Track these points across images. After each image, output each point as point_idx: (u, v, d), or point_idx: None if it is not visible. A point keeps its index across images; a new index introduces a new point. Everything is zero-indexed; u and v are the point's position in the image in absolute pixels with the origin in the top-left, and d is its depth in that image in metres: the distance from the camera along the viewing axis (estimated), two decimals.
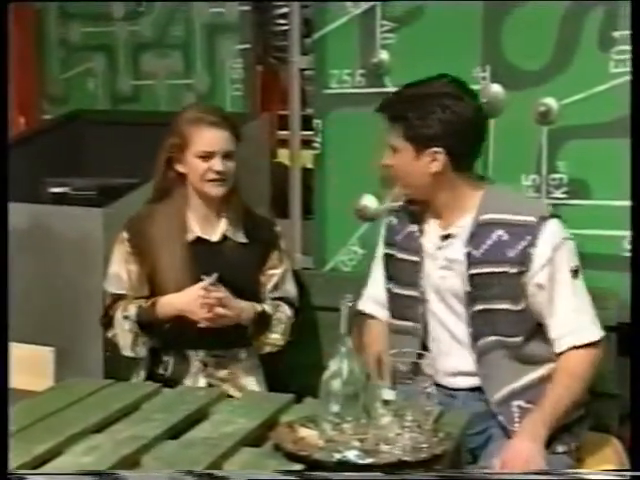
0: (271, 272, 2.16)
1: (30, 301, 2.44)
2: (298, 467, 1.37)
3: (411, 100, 1.85)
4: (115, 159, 2.75)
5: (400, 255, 1.94)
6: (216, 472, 1.33)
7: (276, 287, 2.17)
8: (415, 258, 1.90)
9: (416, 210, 1.95)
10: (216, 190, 2.10)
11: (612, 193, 2.31)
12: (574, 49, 2.31)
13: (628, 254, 2.28)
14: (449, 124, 1.81)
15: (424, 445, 1.40)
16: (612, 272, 2.27)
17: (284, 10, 2.82)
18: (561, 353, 1.82)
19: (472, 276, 1.81)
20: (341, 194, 2.62)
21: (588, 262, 2.09)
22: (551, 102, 2.32)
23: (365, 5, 2.57)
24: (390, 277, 1.98)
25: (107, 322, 2.11)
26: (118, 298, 2.10)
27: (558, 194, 2.33)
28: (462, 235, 1.84)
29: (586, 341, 1.81)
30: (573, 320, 1.82)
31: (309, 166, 2.74)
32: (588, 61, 2.29)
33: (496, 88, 2.40)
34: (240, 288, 2.09)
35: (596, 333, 1.83)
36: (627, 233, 2.28)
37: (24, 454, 1.40)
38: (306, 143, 2.74)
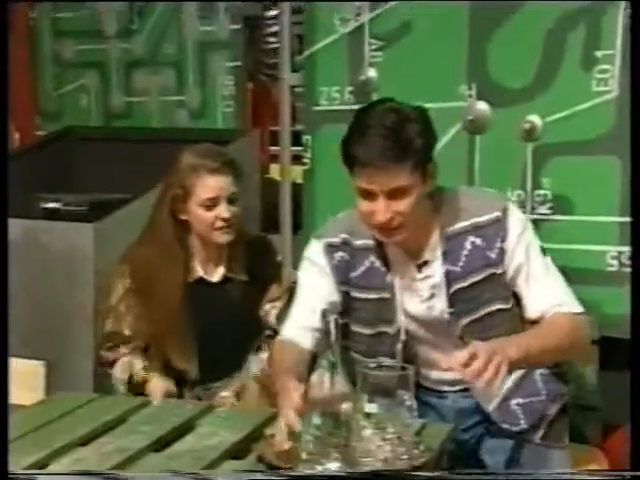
0: (271, 305, 2.09)
1: (21, 315, 2.44)
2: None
3: (398, 128, 1.66)
4: (107, 175, 2.78)
5: (358, 294, 1.80)
6: (211, 475, 1.35)
7: (278, 319, 2.05)
8: (384, 295, 1.78)
9: (368, 244, 1.78)
10: (223, 237, 2.02)
11: (595, 209, 2.33)
12: (557, 68, 2.34)
13: (611, 269, 2.32)
14: (431, 125, 1.72)
15: (404, 457, 1.41)
16: (595, 286, 2.30)
17: (275, 29, 2.86)
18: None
19: (454, 293, 1.75)
20: (330, 209, 2.64)
21: (572, 277, 2.12)
22: (535, 119, 2.35)
23: (354, 24, 2.61)
24: (347, 314, 1.81)
25: (106, 367, 2.03)
26: (115, 341, 2.03)
27: (543, 210, 2.36)
28: (437, 255, 1.76)
29: (569, 311, 1.75)
30: (553, 294, 1.75)
31: (299, 181, 2.77)
32: (571, 80, 2.32)
33: (482, 105, 2.43)
34: (243, 327, 2.05)
35: (577, 306, 1.77)
36: (610, 248, 2.31)
37: (11, 467, 1.38)
38: (296, 158, 2.77)
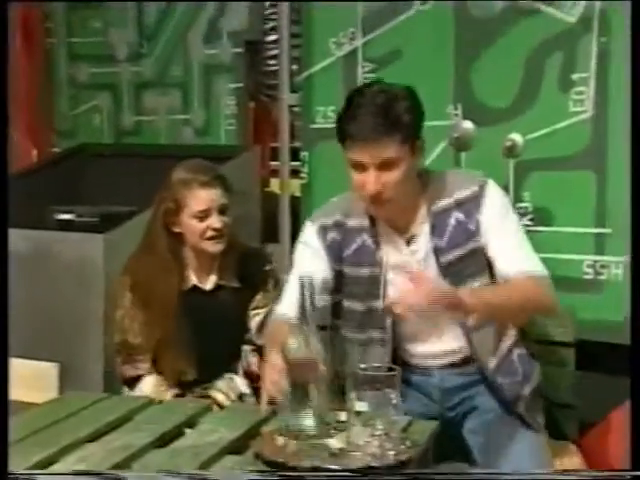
0: (254, 312, 2.07)
1: (36, 320, 2.46)
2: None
3: (388, 106, 1.67)
4: (117, 188, 2.78)
5: (351, 271, 1.80)
6: (206, 474, 1.35)
7: (260, 328, 2.06)
8: (374, 271, 1.77)
9: (360, 224, 1.79)
10: (215, 247, 2.02)
11: (572, 220, 2.35)
12: (537, 90, 2.36)
13: (587, 277, 2.33)
14: (419, 104, 1.72)
15: (391, 452, 1.41)
16: (572, 293, 2.31)
17: (274, 52, 2.87)
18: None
19: (443, 267, 1.74)
20: None
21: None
22: (517, 137, 2.37)
23: (348, 48, 2.63)
24: (340, 292, 1.82)
25: (130, 381, 2.01)
26: (127, 352, 2.02)
27: (524, 221, 2.36)
28: (424, 230, 1.76)
29: (534, 274, 1.74)
30: (523, 258, 1.75)
31: (298, 194, 2.78)
32: (550, 101, 2.34)
33: (467, 124, 2.45)
34: (235, 333, 2.05)
35: (543, 270, 1.76)
36: (586, 257, 2.33)
37: (21, 463, 1.40)
38: (295, 173, 2.78)
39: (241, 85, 2.99)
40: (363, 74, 2.62)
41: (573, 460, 2.09)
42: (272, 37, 2.89)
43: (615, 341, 2.28)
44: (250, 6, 2.93)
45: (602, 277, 2.34)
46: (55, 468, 1.42)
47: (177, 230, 2.05)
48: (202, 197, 2.01)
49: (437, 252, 1.75)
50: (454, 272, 1.74)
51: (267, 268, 2.13)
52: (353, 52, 2.61)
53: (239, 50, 2.98)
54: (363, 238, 1.79)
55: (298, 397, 1.43)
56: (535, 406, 1.84)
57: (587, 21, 2.28)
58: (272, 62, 2.89)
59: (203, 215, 2.01)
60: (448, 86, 2.44)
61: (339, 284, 1.81)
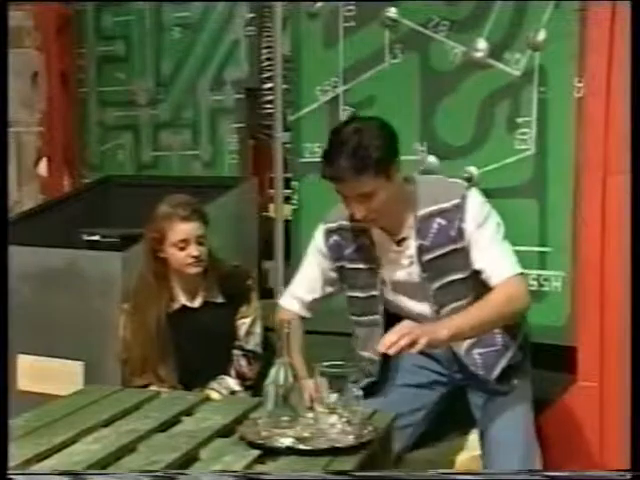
0: (241, 322, 2.09)
1: (66, 324, 2.50)
2: (256, 452, 1.43)
3: (359, 147, 1.69)
4: (137, 213, 2.83)
5: (352, 265, 1.87)
6: (176, 472, 1.33)
7: (247, 335, 2.10)
8: (371, 265, 1.84)
9: (359, 226, 1.84)
10: (194, 270, 2.05)
11: (519, 240, 2.37)
12: (489, 130, 2.42)
13: (532, 288, 2.35)
14: (390, 136, 1.77)
15: (353, 436, 1.46)
16: None
17: (270, 97, 2.94)
18: (497, 283, 1.76)
19: (426, 262, 1.80)
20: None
21: None
22: (473, 170, 2.42)
23: (331, 94, 2.70)
24: (343, 282, 1.91)
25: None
26: (133, 366, 2.07)
27: None
28: (412, 233, 1.81)
29: (518, 272, 1.78)
30: (504, 259, 1.79)
31: (290, 218, 2.83)
32: (499, 140, 2.40)
33: (431, 159, 2.51)
34: (222, 345, 2.06)
35: (518, 268, 1.81)
36: (531, 272, 2.36)
37: (47, 443, 1.46)
38: (287, 199, 2.83)
39: (242, 125, 3.03)
40: (343, 116, 2.69)
41: None
42: (268, 85, 2.96)
43: (555, 342, 2.34)
44: (249, 59, 3.00)
45: (544, 288, 2.39)
46: (75, 447, 1.46)
47: (162, 256, 2.08)
48: (181, 229, 2.03)
49: (421, 251, 1.80)
50: (434, 267, 1.81)
51: (248, 283, 2.16)
52: (335, 98, 2.66)
53: (240, 96, 3.01)
54: (362, 239, 1.85)
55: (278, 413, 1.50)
56: (509, 371, 1.86)
57: (529, 74, 2.35)
58: (268, 106, 2.95)
59: (183, 245, 2.03)
60: (415, 127, 2.49)
61: (343, 276, 1.90)
